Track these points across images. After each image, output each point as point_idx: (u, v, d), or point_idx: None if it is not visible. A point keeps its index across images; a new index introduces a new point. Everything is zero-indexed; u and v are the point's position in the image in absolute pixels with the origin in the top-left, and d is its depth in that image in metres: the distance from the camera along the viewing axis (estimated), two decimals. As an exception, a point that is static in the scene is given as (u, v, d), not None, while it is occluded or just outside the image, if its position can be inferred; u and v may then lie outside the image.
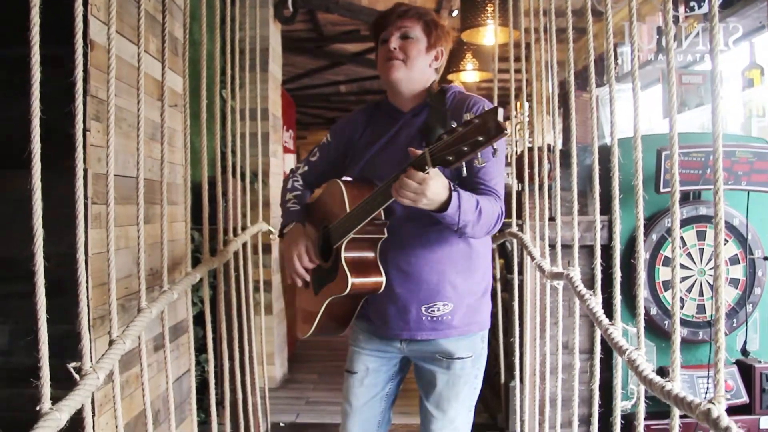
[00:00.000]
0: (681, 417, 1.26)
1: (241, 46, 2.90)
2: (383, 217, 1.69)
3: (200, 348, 2.72)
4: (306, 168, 1.95)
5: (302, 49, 6.25)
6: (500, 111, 1.32)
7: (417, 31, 1.74)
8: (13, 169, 1.45)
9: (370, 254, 1.72)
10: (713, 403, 1.03)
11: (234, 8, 2.80)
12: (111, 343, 1.41)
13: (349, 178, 1.82)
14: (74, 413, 1.15)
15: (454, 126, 1.38)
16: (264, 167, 3.56)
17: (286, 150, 4.74)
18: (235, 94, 2.78)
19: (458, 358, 1.78)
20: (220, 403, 2.47)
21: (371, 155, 1.78)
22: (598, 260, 1.70)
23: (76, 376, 1.25)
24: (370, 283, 1.71)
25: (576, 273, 1.91)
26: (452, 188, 1.54)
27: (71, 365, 1.26)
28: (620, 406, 1.65)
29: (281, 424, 3.37)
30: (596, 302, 1.72)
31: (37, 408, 1.11)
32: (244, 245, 2.73)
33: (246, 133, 2.99)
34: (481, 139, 1.33)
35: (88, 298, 1.37)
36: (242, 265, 2.71)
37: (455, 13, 4.89)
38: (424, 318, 1.74)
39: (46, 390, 1.11)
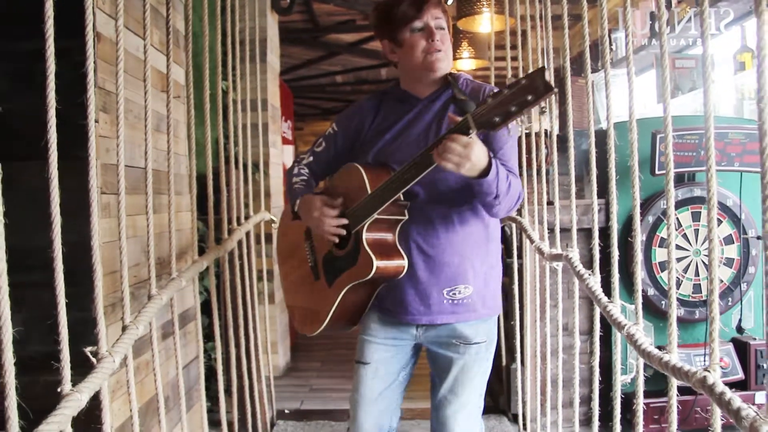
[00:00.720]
0: (679, 395, 1.30)
1: (240, 38, 2.92)
2: (402, 199, 1.68)
3: (206, 336, 2.77)
4: (311, 158, 1.93)
5: (298, 40, 6.25)
6: (546, 71, 1.36)
7: (445, 22, 1.76)
8: (22, 160, 1.48)
9: (390, 237, 1.71)
10: (708, 371, 1.08)
11: None
12: (124, 328, 1.45)
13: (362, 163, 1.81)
14: (91, 399, 1.19)
15: (496, 91, 1.40)
16: (264, 158, 3.59)
17: (284, 141, 4.77)
18: (235, 85, 2.81)
19: (475, 343, 1.79)
20: (226, 391, 2.51)
21: (386, 141, 1.77)
22: (596, 240, 1.75)
23: (93, 360, 1.29)
24: (393, 266, 1.69)
25: (575, 254, 1.95)
26: (491, 155, 1.57)
27: (88, 349, 1.30)
28: (620, 380, 1.70)
29: (286, 411, 3.42)
30: (595, 281, 1.77)
31: (59, 390, 1.15)
32: (248, 234, 2.77)
33: (247, 124, 3.02)
34: (530, 98, 1.35)
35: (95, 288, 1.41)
36: (246, 254, 2.75)
37: (450, 1, 4.91)
38: (445, 302, 1.75)
39: (67, 372, 1.15)
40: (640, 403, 1.54)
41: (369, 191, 1.65)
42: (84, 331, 1.42)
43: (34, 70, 1.24)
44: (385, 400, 1.85)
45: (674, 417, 1.34)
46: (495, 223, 1.84)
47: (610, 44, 4.28)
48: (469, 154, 1.48)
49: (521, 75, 2.71)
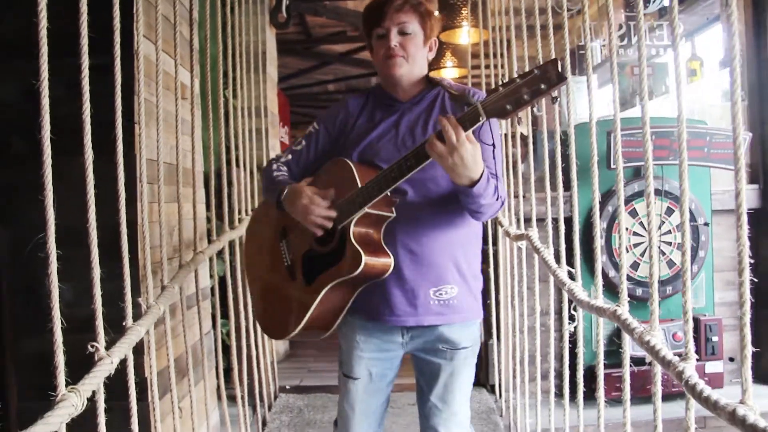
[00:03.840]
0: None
1: (242, 51, 3.27)
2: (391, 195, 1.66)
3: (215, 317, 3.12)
4: (290, 156, 1.86)
5: (292, 51, 6.61)
6: (560, 62, 1.38)
7: (414, 26, 1.72)
8: (72, 155, 1.81)
9: (376, 234, 1.67)
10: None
11: (234, 16, 3.18)
12: (163, 288, 1.81)
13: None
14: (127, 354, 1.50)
15: (506, 81, 1.43)
16: (265, 160, 3.95)
17: (282, 146, 5.13)
18: (237, 93, 3.16)
19: (462, 348, 1.78)
20: (231, 369, 2.84)
21: (371, 140, 1.74)
22: (562, 225, 2.11)
23: (145, 307, 1.64)
24: (380, 264, 1.65)
25: (534, 233, 2.32)
26: (485, 169, 1.56)
27: (139, 299, 1.65)
28: (567, 327, 2.06)
29: (287, 387, 3.77)
30: (549, 253, 2.13)
31: (123, 324, 1.50)
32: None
33: (251, 129, 3.37)
34: (543, 86, 1.36)
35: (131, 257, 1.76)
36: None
37: (436, 13, 5.29)
38: (431, 302, 1.72)
39: (129, 310, 1.50)
40: (602, 370, 1.88)
41: (360, 185, 1.62)
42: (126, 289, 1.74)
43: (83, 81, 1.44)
44: (376, 413, 1.84)
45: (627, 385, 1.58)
46: (479, 227, 1.85)
47: (582, 56, 4.62)
48: (474, 150, 1.47)
49: (494, 80, 3.11)
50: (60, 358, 1.16)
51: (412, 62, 1.74)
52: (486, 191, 1.58)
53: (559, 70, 1.35)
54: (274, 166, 1.85)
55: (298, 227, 1.75)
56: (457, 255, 1.75)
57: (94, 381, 1.26)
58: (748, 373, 0.98)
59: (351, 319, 1.78)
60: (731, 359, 3.52)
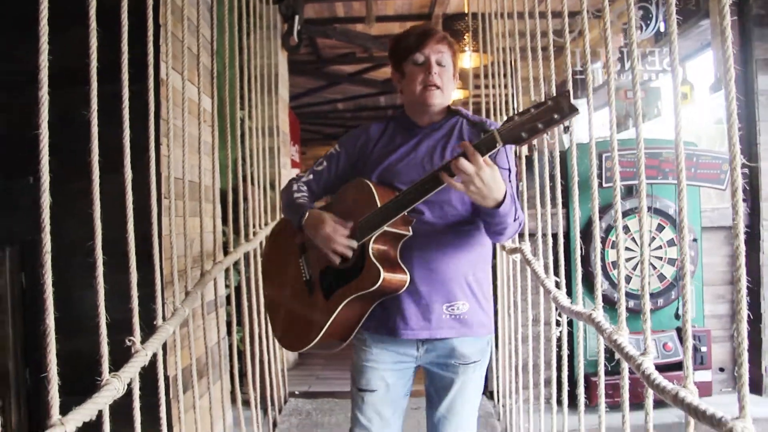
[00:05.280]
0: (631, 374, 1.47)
1: (255, 74, 3.49)
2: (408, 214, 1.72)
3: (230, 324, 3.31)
4: (311, 176, 1.93)
5: (303, 71, 6.82)
6: (571, 94, 1.47)
7: (448, 58, 1.80)
8: (108, 174, 2.00)
9: (393, 252, 1.74)
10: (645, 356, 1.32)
11: (249, 41, 3.40)
12: (187, 293, 2.01)
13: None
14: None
15: (521, 111, 1.50)
16: (278, 177, 4.17)
17: (293, 164, 5.34)
18: (251, 114, 3.37)
19: (472, 362, 1.84)
20: (245, 374, 3.03)
21: (389, 163, 1.81)
22: (549, 235, 2.29)
23: (171, 309, 1.84)
24: (397, 280, 1.72)
25: (526, 246, 2.51)
26: (508, 188, 1.62)
27: (167, 301, 1.86)
28: (554, 332, 2.23)
29: (296, 392, 3.95)
30: (539, 265, 2.32)
31: (154, 323, 1.70)
32: (266, 238, 3.34)
33: (264, 148, 3.58)
34: (556, 117, 1.44)
35: (161, 265, 1.95)
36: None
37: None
38: (444, 316, 1.78)
39: (159, 311, 1.70)
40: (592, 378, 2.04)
41: (379, 205, 1.69)
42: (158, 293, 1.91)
43: (114, 107, 1.55)
44: (394, 427, 1.88)
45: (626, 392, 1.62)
46: (489, 249, 1.93)
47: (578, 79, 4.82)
48: (493, 174, 1.54)
49: (493, 100, 3.31)
50: (104, 350, 1.35)
51: (446, 93, 1.81)
52: (510, 210, 1.66)
53: (571, 101, 1.45)
54: (295, 187, 1.91)
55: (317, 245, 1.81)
56: (468, 273, 1.82)
57: (132, 370, 1.45)
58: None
59: (366, 334, 1.84)
60: (721, 369, 3.68)
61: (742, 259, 0.95)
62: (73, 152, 1.50)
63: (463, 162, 1.52)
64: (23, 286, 2.28)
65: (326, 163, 1.92)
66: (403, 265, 1.74)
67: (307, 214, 1.80)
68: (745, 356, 0.94)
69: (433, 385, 1.89)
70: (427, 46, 1.77)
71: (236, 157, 2.92)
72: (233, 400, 2.91)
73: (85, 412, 1.19)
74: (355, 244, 1.73)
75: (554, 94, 1.50)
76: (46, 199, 1.17)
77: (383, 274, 1.67)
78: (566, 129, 1.56)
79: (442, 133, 1.84)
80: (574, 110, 1.44)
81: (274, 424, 3.39)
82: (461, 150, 1.55)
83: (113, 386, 1.33)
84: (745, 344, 0.94)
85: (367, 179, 1.78)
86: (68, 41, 1.46)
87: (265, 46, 3.89)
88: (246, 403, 2.90)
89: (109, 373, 1.36)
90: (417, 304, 1.77)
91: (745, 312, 0.95)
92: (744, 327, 0.94)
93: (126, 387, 1.37)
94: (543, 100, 1.49)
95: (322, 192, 1.93)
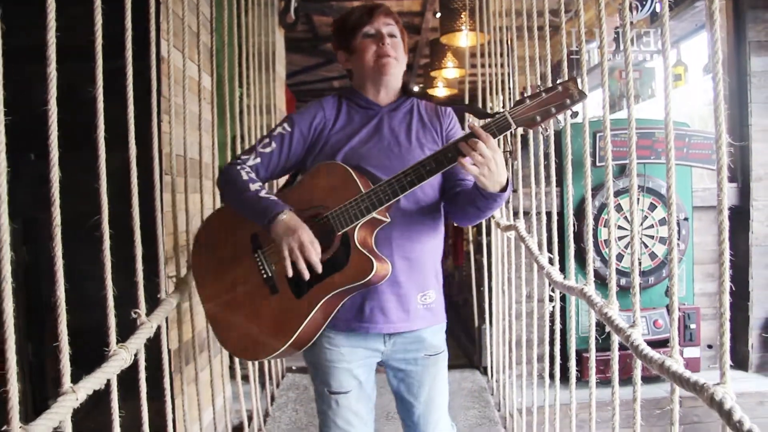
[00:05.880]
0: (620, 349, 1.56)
1: (253, 51, 3.49)
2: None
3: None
4: (258, 160, 1.73)
5: (299, 48, 6.83)
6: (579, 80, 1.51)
7: (398, 32, 1.75)
8: (110, 151, 2.03)
9: (370, 239, 1.64)
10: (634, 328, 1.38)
11: (247, 19, 3.40)
12: (189, 267, 2.05)
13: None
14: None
15: (531, 93, 1.52)
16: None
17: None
18: (249, 92, 3.39)
19: (441, 353, 1.81)
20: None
21: (353, 145, 1.70)
22: (543, 212, 2.34)
23: (174, 281, 1.88)
24: (383, 269, 1.62)
25: (521, 223, 2.56)
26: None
27: (170, 275, 1.90)
28: (547, 307, 2.29)
29: (294, 368, 4.02)
30: (533, 242, 2.37)
31: (158, 296, 1.74)
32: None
33: (262, 125, 3.60)
34: (568, 101, 1.49)
35: (164, 240, 1.99)
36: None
37: (438, 14, 5.51)
38: (418, 306, 1.73)
39: (163, 284, 1.74)
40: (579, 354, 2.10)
41: (363, 190, 1.58)
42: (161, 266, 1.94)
43: (114, 84, 1.57)
44: (370, 422, 1.81)
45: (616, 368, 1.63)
46: (442, 236, 1.86)
47: (573, 59, 4.84)
48: (496, 156, 1.52)
49: (489, 80, 3.34)
50: (112, 321, 1.39)
51: (401, 65, 1.75)
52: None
53: (580, 87, 1.49)
54: (243, 173, 1.69)
55: None
56: (436, 261, 1.79)
57: (138, 341, 1.50)
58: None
59: (333, 332, 1.71)
60: (709, 346, 3.76)
61: (726, 234, 0.99)
62: (72, 128, 1.52)
63: (482, 145, 1.50)
64: (26, 261, 2.31)
65: (275, 144, 1.73)
66: (381, 254, 1.64)
67: (286, 214, 1.59)
68: (728, 326, 0.99)
69: (404, 383, 1.81)
70: (378, 19, 1.73)
71: (234, 135, 2.94)
72: (232, 376, 2.97)
73: (95, 381, 1.24)
74: (319, 268, 1.57)
75: (565, 79, 1.53)
76: (55, 174, 1.20)
77: (375, 265, 1.56)
78: (575, 114, 1.54)
79: (402, 113, 1.78)
80: (583, 95, 1.49)
81: (272, 398, 3.46)
82: (469, 131, 1.53)
83: (121, 356, 1.37)
84: (728, 314, 0.98)
85: (341, 163, 1.65)
86: (68, 18, 1.49)
87: (263, 23, 3.88)
88: (245, 377, 2.95)
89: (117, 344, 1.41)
90: (397, 295, 1.69)
91: (727, 283, 0.99)
92: (726, 298, 0.99)
93: (133, 358, 1.42)
94: (552, 84, 1.52)
95: (269, 177, 1.76)
